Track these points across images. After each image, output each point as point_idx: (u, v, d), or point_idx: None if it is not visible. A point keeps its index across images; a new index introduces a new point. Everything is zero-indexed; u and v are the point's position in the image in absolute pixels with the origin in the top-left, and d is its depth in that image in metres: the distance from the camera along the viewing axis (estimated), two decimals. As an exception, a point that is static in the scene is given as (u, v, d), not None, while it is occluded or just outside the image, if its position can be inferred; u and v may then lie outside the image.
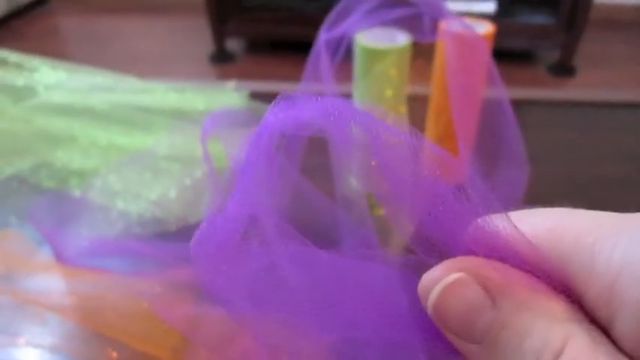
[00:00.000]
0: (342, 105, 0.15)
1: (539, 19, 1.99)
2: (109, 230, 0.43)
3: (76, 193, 0.47)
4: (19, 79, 0.56)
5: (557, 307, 0.13)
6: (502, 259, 0.15)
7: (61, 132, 0.52)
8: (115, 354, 0.33)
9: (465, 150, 0.44)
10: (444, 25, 0.42)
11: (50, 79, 0.57)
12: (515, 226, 0.14)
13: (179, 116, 0.54)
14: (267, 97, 0.62)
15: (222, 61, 2.17)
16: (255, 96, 0.61)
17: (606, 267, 0.13)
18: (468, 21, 0.44)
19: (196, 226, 0.48)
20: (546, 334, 0.13)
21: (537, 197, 0.44)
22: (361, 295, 0.17)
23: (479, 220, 0.15)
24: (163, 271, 0.37)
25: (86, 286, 0.38)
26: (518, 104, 0.64)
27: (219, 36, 2.12)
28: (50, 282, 0.38)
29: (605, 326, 0.13)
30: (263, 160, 0.16)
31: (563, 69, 2.04)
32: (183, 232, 0.44)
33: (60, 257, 0.40)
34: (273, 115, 0.15)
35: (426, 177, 0.15)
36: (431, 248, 0.16)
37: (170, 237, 0.43)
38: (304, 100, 0.15)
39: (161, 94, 0.57)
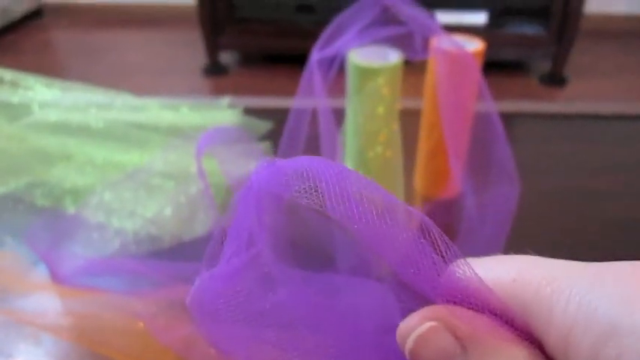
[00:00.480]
0: (318, 165, 0.16)
1: (530, 29, 2.02)
2: (105, 249, 0.43)
3: (72, 211, 0.47)
4: (14, 97, 0.57)
5: (521, 353, 0.15)
6: (472, 307, 0.16)
7: (56, 150, 0.53)
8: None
9: (456, 165, 0.44)
10: (435, 43, 0.43)
11: (45, 96, 0.57)
12: (481, 279, 0.16)
13: (174, 133, 0.54)
14: (261, 113, 0.62)
15: (215, 74, 2.18)
16: (249, 112, 0.61)
17: (562, 318, 0.14)
18: (459, 38, 0.45)
19: (191, 243, 0.48)
20: None
21: (529, 210, 0.45)
22: (357, 319, 0.18)
23: (450, 269, 0.16)
24: (158, 290, 0.37)
25: (82, 305, 0.38)
26: (510, 117, 0.65)
27: (212, 49, 2.13)
28: (45, 302, 0.38)
29: None
30: (252, 218, 0.17)
31: (555, 79, 2.06)
32: (179, 250, 0.44)
33: (55, 277, 0.40)
34: (256, 174, 0.16)
35: (399, 230, 0.16)
36: (412, 295, 0.17)
37: (165, 255, 0.43)
38: (284, 162, 0.16)
39: (156, 111, 0.57)
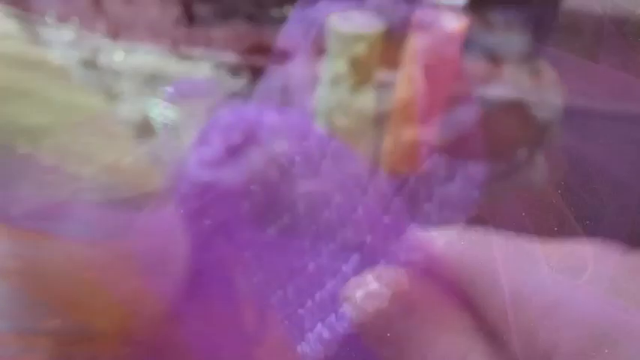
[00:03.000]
0: (279, 117, 0.16)
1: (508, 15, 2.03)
2: (58, 193, 0.42)
3: (25, 151, 0.45)
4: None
5: (462, 321, 0.15)
6: (420, 272, 0.17)
7: (11, 85, 0.50)
8: (57, 322, 0.32)
9: (427, 142, 0.44)
10: (418, 16, 0.43)
11: (3, 27, 0.54)
12: (433, 246, 0.16)
13: (146, 82, 0.52)
14: (234, 69, 0.61)
15: (190, 26, 2.12)
16: (222, 66, 0.59)
17: (501, 291, 0.14)
18: (443, 13, 0.44)
19: (150, 195, 0.47)
20: (448, 348, 0.15)
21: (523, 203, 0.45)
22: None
23: (404, 235, 0.17)
24: (113, 239, 0.36)
25: (29, 249, 0.37)
26: (489, 101, 0.65)
27: (187, -1, 2.07)
28: (-9, 242, 0.37)
29: (505, 343, 0.15)
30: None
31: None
32: (136, 201, 0.43)
33: (3, 217, 0.38)
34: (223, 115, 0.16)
35: (361, 193, 0.16)
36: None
37: (122, 205, 0.42)
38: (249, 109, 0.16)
39: (130, 58, 0.55)
